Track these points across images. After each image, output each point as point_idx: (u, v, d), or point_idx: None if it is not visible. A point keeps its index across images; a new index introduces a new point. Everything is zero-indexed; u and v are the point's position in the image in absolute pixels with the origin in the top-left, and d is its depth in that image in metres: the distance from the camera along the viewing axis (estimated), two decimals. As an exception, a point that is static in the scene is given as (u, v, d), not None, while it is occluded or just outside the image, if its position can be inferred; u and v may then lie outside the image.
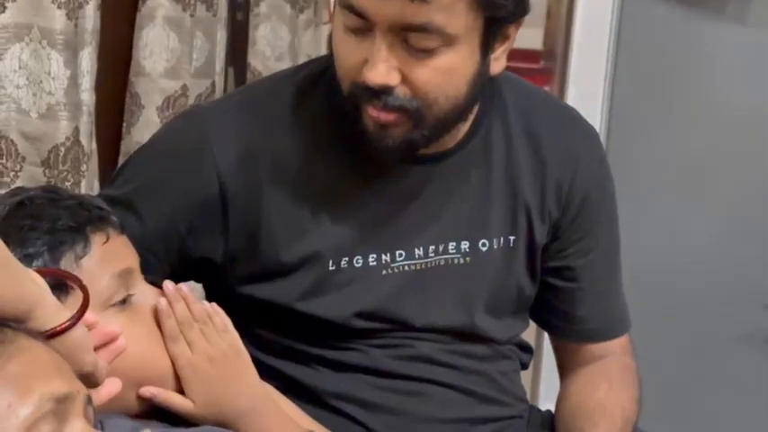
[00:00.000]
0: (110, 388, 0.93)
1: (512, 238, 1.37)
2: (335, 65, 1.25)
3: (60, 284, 1.06)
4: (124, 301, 1.13)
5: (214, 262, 1.32)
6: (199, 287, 1.65)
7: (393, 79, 1.19)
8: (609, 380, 1.45)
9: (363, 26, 1.18)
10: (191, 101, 2.12)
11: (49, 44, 1.62)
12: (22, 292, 0.83)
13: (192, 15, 2.08)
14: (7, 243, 1.03)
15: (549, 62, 2.03)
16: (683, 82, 1.95)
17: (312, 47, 2.75)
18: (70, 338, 0.86)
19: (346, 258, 1.31)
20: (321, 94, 1.32)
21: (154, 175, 1.32)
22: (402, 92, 1.19)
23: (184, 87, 2.09)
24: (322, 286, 1.31)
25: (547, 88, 2.05)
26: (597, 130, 1.93)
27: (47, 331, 0.84)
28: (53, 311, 0.86)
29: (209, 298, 1.41)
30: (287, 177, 1.29)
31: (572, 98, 1.93)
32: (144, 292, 1.16)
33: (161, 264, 1.31)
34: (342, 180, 1.31)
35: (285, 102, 1.32)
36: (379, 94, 1.19)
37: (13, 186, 1.63)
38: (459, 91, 1.22)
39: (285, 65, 2.60)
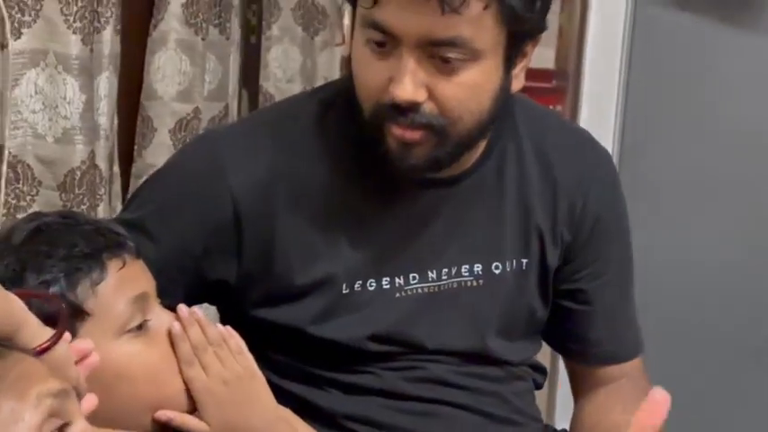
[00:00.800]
0: (91, 401, 0.94)
1: (524, 260, 1.37)
2: (356, 86, 1.24)
3: (78, 311, 1.07)
4: (140, 327, 1.13)
5: (228, 284, 1.32)
6: (213, 310, 1.65)
7: (420, 95, 1.18)
8: (623, 401, 1.45)
9: (388, 43, 1.18)
10: (203, 124, 2.13)
11: (64, 69, 1.64)
12: (9, 312, 0.85)
13: (203, 39, 2.09)
14: (24, 269, 1.04)
15: (562, 81, 2.03)
16: (697, 100, 1.94)
17: (328, 68, 2.76)
18: (56, 353, 0.88)
19: (360, 281, 1.31)
20: (336, 117, 1.31)
21: (168, 199, 1.33)
22: (428, 108, 1.19)
23: (197, 110, 2.10)
24: (335, 309, 1.31)
25: (559, 107, 2.06)
26: (610, 149, 1.93)
27: (35, 348, 0.86)
28: (37, 330, 0.88)
29: (224, 321, 1.41)
30: (301, 200, 1.29)
31: (584, 117, 1.93)
32: (160, 317, 1.16)
33: (176, 287, 1.31)
34: (356, 203, 1.31)
35: (299, 125, 1.32)
36: (406, 111, 1.19)
37: (30, 210, 1.65)
38: (483, 107, 1.22)
39: (297, 87, 2.62)
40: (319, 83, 2.68)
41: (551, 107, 2.10)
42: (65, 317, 0.94)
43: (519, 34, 1.21)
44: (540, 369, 1.48)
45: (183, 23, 2.04)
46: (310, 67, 2.70)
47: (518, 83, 1.27)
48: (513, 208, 1.35)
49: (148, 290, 1.15)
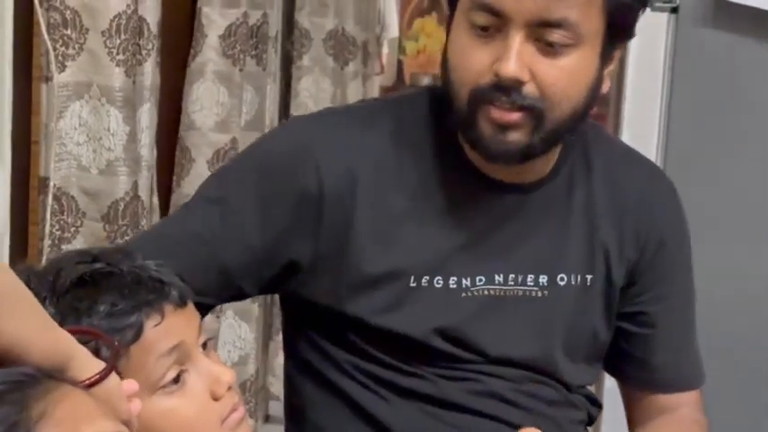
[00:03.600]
0: None
1: (589, 276, 1.36)
2: (453, 73, 1.25)
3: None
4: (177, 380, 1.10)
5: (300, 267, 1.31)
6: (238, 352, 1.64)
7: (525, 75, 1.20)
8: None
9: (495, 25, 1.20)
10: (240, 154, 2.14)
11: (108, 101, 1.65)
12: (59, 344, 0.85)
13: (241, 70, 2.10)
14: (63, 324, 1.03)
15: (602, 106, 2.03)
16: (740, 122, 1.92)
17: (358, 97, 2.77)
18: (106, 387, 0.87)
19: (427, 277, 1.30)
20: (422, 118, 1.33)
21: (254, 175, 1.32)
22: (530, 90, 1.20)
23: (234, 141, 2.12)
24: (401, 302, 1.30)
25: (600, 133, 2.05)
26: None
27: (85, 380, 0.85)
28: (88, 362, 0.87)
29: (286, 312, 1.41)
30: (382, 190, 1.30)
31: (626, 142, 1.92)
32: (198, 367, 1.11)
33: (253, 267, 1.30)
34: (434, 201, 1.31)
35: (385, 122, 1.33)
36: (509, 90, 1.20)
37: (74, 242, 1.66)
38: (580, 96, 1.24)
39: (327, 117, 2.62)
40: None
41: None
42: (115, 351, 0.94)
43: (616, 29, 1.24)
44: (596, 403, 1.47)
45: (221, 55, 2.06)
46: (340, 97, 2.71)
47: (606, 85, 1.29)
48: (580, 224, 1.36)
49: (187, 338, 1.11)
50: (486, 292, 1.32)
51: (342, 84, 2.71)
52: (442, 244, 1.30)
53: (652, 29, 1.93)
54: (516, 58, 1.19)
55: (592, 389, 1.48)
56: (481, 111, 1.22)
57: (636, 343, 1.42)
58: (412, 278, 1.30)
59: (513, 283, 1.33)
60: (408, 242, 1.29)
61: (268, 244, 1.29)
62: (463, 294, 1.31)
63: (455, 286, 1.31)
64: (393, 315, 1.30)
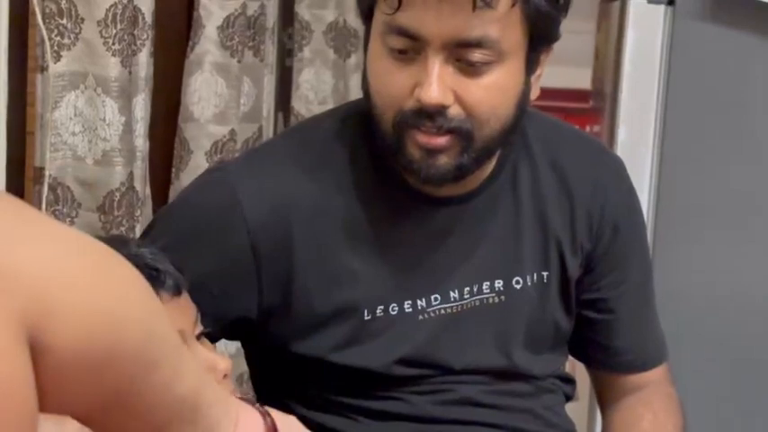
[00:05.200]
0: None
1: (545, 273, 1.36)
2: (375, 98, 1.22)
3: None
4: None
5: (249, 320, 1.29)
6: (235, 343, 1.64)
7: (448, 99, 1.17)
8: (652, 410, 1.44)
9: (413, 48, 1.17)
10: (238, 146, 2.14)
11: (103, 91, 1.65)
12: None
13: (239, 61, 2.10)
14: None
15: (599, 102, 2.02)
16: (738, 118, 1.92)
17: (360, 90, 2.77)
18: None
19: (381, 307, 1.29)
20: (348, 141, 1.30)
21: (181, 238, 1.29)
22: (455, 112, 1.18)
23: (232, 132, 2.11)
24: (358, 336, 1.29)
25: (596, 128, 2.05)
26: (648, 169, 1.92)
27: None
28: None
29: (247, 355, 1.41)
30: (317, 229, 1.27)
31: (622, 137, 1.91)
32: (194, 355, 1.12)
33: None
34: (372, 228, 1.28)
35: (311, 153, 1.30)
36: (434, 115, 1.17)
37: (69, 232, 1.65)
38: (509, 111, 1.21)
39: (328, 108, 2.62)
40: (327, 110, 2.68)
41: (588, 127, 2.10)
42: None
43: (538, 37, 1.21)
44: (568, 381, 1.47)
45: (219, 46, 2.05)
46: (342, 90, 2.70)
47: (535, 92, 1.26)
48: (531, 221, 1.34)
49: (184, 327, 1.11)
50: (443, 311, 1.31)
51: (344, 76, 2.70)
52: (389, 271, 1.28)
53: (648, 22, 1.92)
54: (438, 82, 1.16)
55: (578, 367, 1.49)
56: (408, 135, 1.19)
57: (598, 329, 1.43)
58: (365, 311, 1.28)
59: (468, 295, 1.32)
60: (354, 276, 1.27)
61: (211, 307, 1.24)
62: (420, 317, 1.30)
63: (410, 310, 1.29)
64: (351, 350, 1.29)
